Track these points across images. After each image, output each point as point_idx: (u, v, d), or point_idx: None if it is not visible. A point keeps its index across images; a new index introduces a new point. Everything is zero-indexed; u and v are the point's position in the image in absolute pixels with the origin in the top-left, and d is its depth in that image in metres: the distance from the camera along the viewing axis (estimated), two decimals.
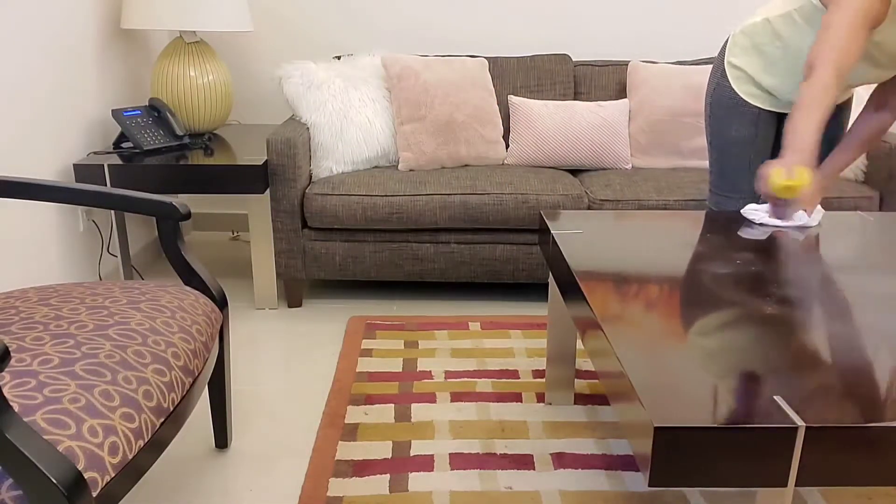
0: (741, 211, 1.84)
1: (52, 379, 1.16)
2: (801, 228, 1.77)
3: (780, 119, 2.01)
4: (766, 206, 1.79)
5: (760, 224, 1.79)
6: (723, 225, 1.83)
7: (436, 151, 2.76)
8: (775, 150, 2.03)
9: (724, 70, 2.01)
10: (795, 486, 1.01)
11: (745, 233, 1.73)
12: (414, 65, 2.79)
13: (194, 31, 2.87)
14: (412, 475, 1.71)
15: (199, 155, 2.60)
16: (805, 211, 1.77)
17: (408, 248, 2.61)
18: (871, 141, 1.86)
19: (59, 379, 1.16)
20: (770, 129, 1.98)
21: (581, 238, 1.72)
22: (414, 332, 2.46)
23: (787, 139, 1.65)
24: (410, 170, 2.75)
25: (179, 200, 1.62)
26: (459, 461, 1.76)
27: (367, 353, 2.31)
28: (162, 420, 1.27)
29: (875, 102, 1.87)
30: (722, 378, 1.11)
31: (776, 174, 1.63)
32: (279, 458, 1.79)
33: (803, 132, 1.62)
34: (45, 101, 2.34)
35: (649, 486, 1.01)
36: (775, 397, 1.06)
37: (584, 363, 2.24)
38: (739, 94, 1.96)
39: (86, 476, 1.04)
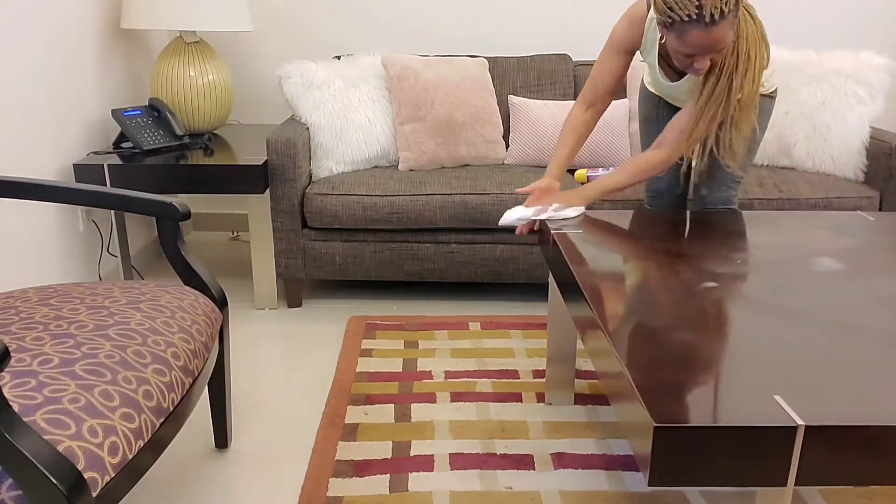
0: (507, 219, 1.90)
1: (52, 379, 1.16)
2: (558, 220, 1.84)
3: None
4: (519, 208, 1.90)
5: (518, 219, 1.87)
6: (721, 225, 1.83)
7: (436, 151, 2.76)
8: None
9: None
10: (795, 485, 1.01)
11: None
12: (414, 65, 2.79)
13: (194, 31, 2.87)
14: (412, 475, 1.71)
15: (199, 155, 2.60)
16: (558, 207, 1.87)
17: (408, 248, 2.60)
18: (640, 174, 1.90)
19: (59, 379, 1.16)
20: (672, 111, 2.10)
21: (581, 238, 1.72)
22: (414, 332, 2.46)
23: (593, 184, 1.91)
24: (410, 170, 2.75)
25: (179, 200, 1.62)
26: (459, 461, 1.76)
27: (367, 353, 2.31)
28: (162, 420, 1.27)
29: (657, 139, 1.92)
30: (722, 378, 1.11)
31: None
32: (279, 458, 1.79)
33: (600, 188, 1.90)
34: (45, 101, 2.34)
35: (649, 485, 1.01)
36: (775, 397, 1.06)
37: (584, 363, 2.24)
38: (644, 82, 2.21)
39: (86, 476, 1.05)
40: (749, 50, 1.74)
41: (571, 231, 1.76)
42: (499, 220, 2.53)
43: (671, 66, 1.95)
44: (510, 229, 2.59)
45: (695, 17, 1.60)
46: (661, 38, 1.79)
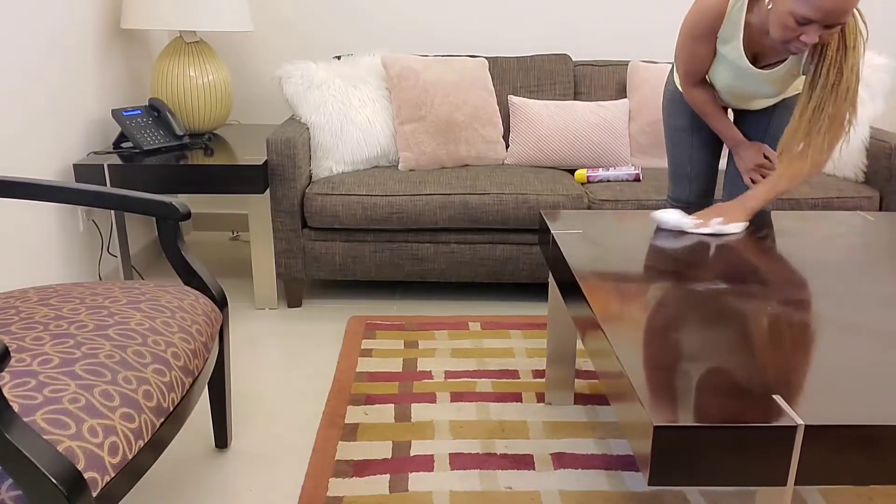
0: (659, 217, 1.79)
1: (51, 379, 1.16)
2: (719, 235, 1.74)
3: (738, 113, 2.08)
4: (678, 214, 1.78)
5: (675, 225, 1.77)
6: None
7: (436, 151, 2.76)
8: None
9: (672, 67, 2.13)
10: (795, 485, 1.01)
11: (689, 238, 1.72)
12: (414, 65, 2.79)
13: (194, 31, 2.87)
14: (412, 475, 1.71)
15: (199, 155, 2.60)
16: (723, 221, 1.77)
17: (408, 248, 2.61)
18: (797, 178, 1.81)
19: (59, 379, 1.16)
20: (720, 116, 2.05)
21: (581, 238, 1.72)
22: (414, 332, 2.46)
23: (757, 193, 1.80)
24: (410, 170, 2.75)
25: (179, 200, 1.62)
26: (459, 461, 1.76)
27: (367, 353, 2.31)
28: (162, 420, 1.27)
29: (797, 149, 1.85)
30: (721, 377, 1.11)
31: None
32: (279, 458, 1.79)
33: (764, 197, 1.80)
34: (45, 101, 2.34)
35: (649, 485, 1.01)
36: (775, 396, 1.06)
37: (584, 363, 2.24)
38: (678, 87, 2.09)
39: (86, 476, 1.05)
40: (856, 41, 1.65)
41: (571, 231, 1.76)
42: (499, 219, 2.54)
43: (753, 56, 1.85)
44: (510, 229, 2.59)
45: None
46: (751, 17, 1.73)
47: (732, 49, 1.82)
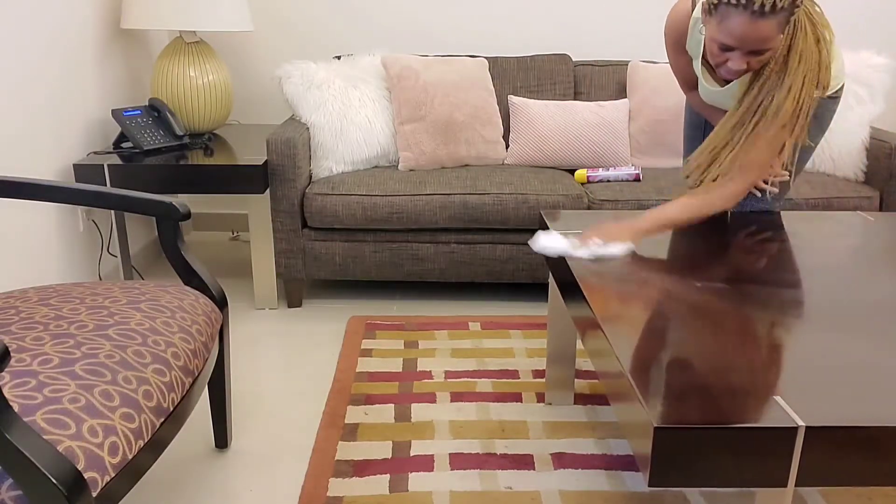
0: (540, 244, 1.63)
1: (51, 379, 1.16)
2: (600, 259, 1.58)
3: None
4: (557, 235, 1.63)
5: (554, 249, 1.61)
6: (719, 224, 1.83)
7: (436, 151, 2.76)
8: None
9: None
10: (795, 486, 1.01)
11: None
12: (414, 65, 2.79)
13: (194, 31, 2.87)
14: (412, 475, 1.71)
15: (199, 155, 2.59)
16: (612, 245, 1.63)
17: (408, 248, 2.60)
18: (702, 210, 1.71)
19: (59, 379, 1.16)
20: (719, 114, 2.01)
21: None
22: (414, 332, 2.46)
23: (647, 215, 1.66)
24: (410, 170, 2.75)
25: (179, 200, 1.62)
26: (459, 461, 1.76)
27: (367, 353, 2.31)
28: (162, 420, 1.27)
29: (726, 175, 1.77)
30: (722, 378, 1.11)
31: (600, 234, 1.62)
32: (279, 458, 1.79)
33: (657, 222, 1.66)
34: (45, 101, 2.34)
35: (649, 486, 1.01)
36: (775, 397, 1.06)
37: (584, 363, 2.24)
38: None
39: (86, 476, 1.05)
40: (802, 70, 1.60)
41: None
42: (499, 219, 2.54)
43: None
44: (510, 229, 2.59)
45: (744, 2, 1.47)
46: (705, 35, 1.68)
47: (697, 65, 1.85)
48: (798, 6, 1.53)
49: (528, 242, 1.59)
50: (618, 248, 1.58)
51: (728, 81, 1.79)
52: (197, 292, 1.61)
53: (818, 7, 1.68)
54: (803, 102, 1.63)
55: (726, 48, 1.57)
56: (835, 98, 1.87)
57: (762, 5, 1.47)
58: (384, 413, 1.97)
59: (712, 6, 1.54)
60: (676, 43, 1.89)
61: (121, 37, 2.86)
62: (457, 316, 2.60)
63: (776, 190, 1.91)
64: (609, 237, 1.61)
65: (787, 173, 1.88)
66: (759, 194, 1.92)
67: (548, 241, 1.59)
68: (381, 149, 2.77)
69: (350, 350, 2.33)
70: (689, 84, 2.00)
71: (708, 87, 1.85)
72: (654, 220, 1.66)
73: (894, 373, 1.13)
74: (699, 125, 2.10)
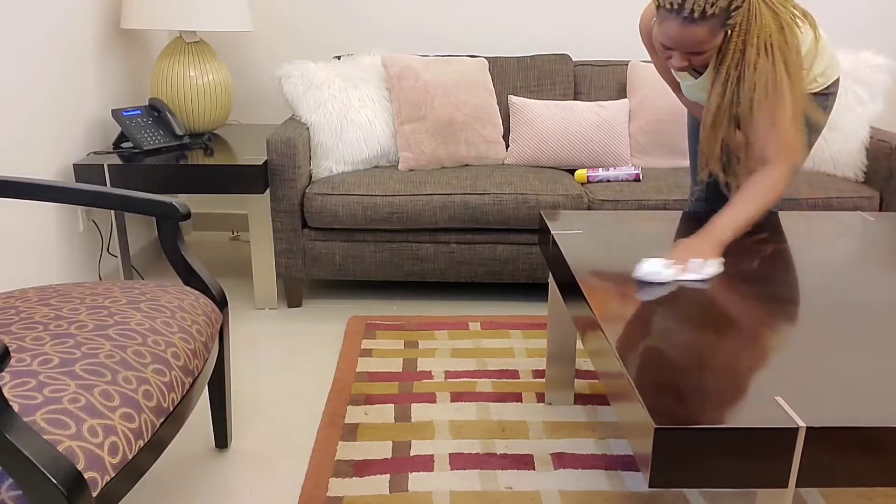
0: (642, 270, 1.53)
1: (52, 379, 1.16)
2: (702, 280, 1.53)
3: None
4: (660, 262, 1.54)
5: (656, 274, 1.52)
6: None
7: (436, 151, 2.76)
8: None
9: None
10: (796, 486, 1.01)
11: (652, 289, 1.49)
12: (414, 65, 2.79)
13: (194, 31, 2.87)
14: (412, 475, 1.71)
15: (199, 155, 2.59)
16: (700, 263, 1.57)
17: (408, 248, 2.60)
18: (766, 195, 1.67)
19: (59, 379, 1.16)
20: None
21: (581, 238, 1.72)
22: (414, 332, 2.46)
23: (721, 223, 1.62)
24: (410, 170, 2.75)
25: (179, 200, 1.62)
26: (459, 461, 1.76)
27: (367, 353, 2.31)
28: (162, 420, 1.27)
29: (760, 156, 1.75)
30: (722, 378, 1.11)
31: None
32: (279, 458, 1.79)
33: (734, 228, 1.62)
34: (45, 101, 2.34)
35: (649, 486, 1.01)
36: (775, 397, 1.06)
37: (584, 363, 2.24)
38: None
39: (86, 476, 1.04)
40: (759, 62, 1.62)
41: (571, 231, 1.76)
42: (499, 219, 2.54)
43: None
44: (510, 229, 2.59)
45: (676, 7, 1.55)
46: None
47: None
48: (736, 9, 1.56)
49: (633, 273, 1.55)
50: (714, 268, 1.55)
51: (700, 72, 1.83)
52: (197, 292, 1.61)
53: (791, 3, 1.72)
54: (780, 78, 1.64)
55: (667, 47, 1.65)
56: (825, 94, 1.88)
57: (692, 12, 1.53)
58: (384, 413, 1.97)
59: (656, 7, 1.62)
60: (650, 44, 1.95)
61: (121, 37, 2.86)
62: (457, 316, 2.60)
63: None
64: (701, 255, 1.56)
65: None
66: None
67: (650, 268, 1.53)
68: (381, 149, 2.77)
69: (350, 350, 2.33)
70: (674, 83, 2.03)
71: (685, 82, 1.91)
72: (730, 227, 1.62)
73: (894, 373, 1.13)
74: (697, 131, 2.11)
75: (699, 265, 1.53)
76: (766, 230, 1.80)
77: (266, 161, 2.51)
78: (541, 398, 2.05)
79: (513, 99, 2.91)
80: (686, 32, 1.57)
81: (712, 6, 1.53)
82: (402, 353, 2.31)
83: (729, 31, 1.63)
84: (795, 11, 1.72)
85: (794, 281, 1.49)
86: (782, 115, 1.65)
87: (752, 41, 1.62)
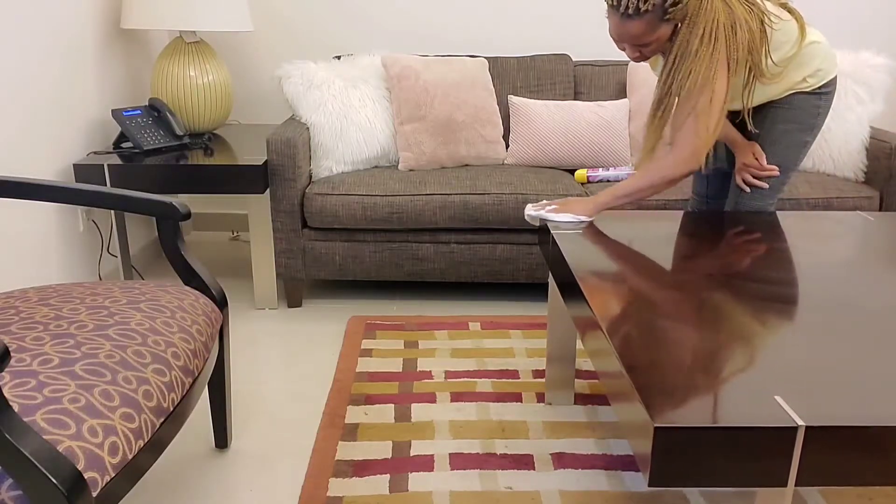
0: (530, 213, 1.87)
1: (51, 379, 1.16)
2: (570, 224, 1.79)
3: (732, 114, 2.05)
4: (541, 204, 1.86)
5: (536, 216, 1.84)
6: (720, 225, 1.83)
7: (436, 151, 2.76)
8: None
9: None
10: (795, 486, 1.01)
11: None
12: (414, 65, 2.79)
13: (194, 31, 2.87)
14: (412, 475, 1.71)
15: (199, 155, 2.59)
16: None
17: (408, 248, 2.60)
18: (656, 177, 1.80)
19: (59, 379, 1.16)
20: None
21: (581, 238, 1.72)
22: (414, 332, 2.46)
23: (609, 191, 1.81)
24: (410, 170, 2.75)
25: (179, 200, 1.62)
26: (459, 461, 1.76)
27: (367, 353, 2.31)
28: (162, 420, 1.27)
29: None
30: (722, 378, 1.11)
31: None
32: (279, 458, 1.79)
33: (613, 193, 1.80)
34: (45, 101, 2.34)
35: (649, 486, 1.01)
36: (775, 397, 1.06)
37: (584, 363, 2.24)
38: None
39: (86, 476, 1.05)
40: (700, 50, 1.68)
41: (571, 231, 1.76)
42: (499, 219, 2.54)
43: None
44: (510, 229, 2.59)
45: (615, 4, 1.68)
46: None
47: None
48: (673, 4, 1.65)
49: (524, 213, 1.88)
50: (565, 217, 1.79)
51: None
52: (197, 292, 1.61)
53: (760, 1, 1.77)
54: (715, 70, 1.70)
55: (616, 41, 1.77)
56: (818, 94, 1.89)
57: (627, 8, 1.66)
58: (384, 413, 1.97)
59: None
60: None
61: (121, 37, 2.86)
62: (457, 316, 2.60)
63: (766, 186, 1.96)
64: (569, 209, 1.80)
65: (776, 168, 1.91)
66: (748, 190, 1.98)
67: (530, 209, 1.85)
68: (381, 149, 2.77)
69: (350, 350, 2.33)
70: None
71: (655, 72, 1.98)
72: (610, 193, 1.80)
73: (894, 372, 1.13)
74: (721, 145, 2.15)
75: (550, 209, 1.81)
76: (764, 230, 1.80)
77: (266, 161, 2.51)
78: (541, 398, 2.05)
79: (513, 99, 2.91)
80: (624, 27, 1.70)
81: (646, 2, 1.64)
82: (402, 353, 2.31)
83: (679, 24, 1.72)
84: (772, 9, 1.76)
85: (793, 280, 1.49)
86: (704, 105, 1.73)
87: (697, 32, 1.69)
